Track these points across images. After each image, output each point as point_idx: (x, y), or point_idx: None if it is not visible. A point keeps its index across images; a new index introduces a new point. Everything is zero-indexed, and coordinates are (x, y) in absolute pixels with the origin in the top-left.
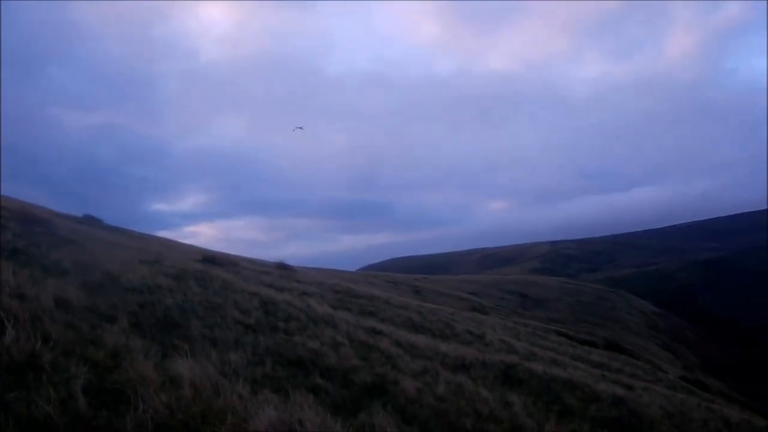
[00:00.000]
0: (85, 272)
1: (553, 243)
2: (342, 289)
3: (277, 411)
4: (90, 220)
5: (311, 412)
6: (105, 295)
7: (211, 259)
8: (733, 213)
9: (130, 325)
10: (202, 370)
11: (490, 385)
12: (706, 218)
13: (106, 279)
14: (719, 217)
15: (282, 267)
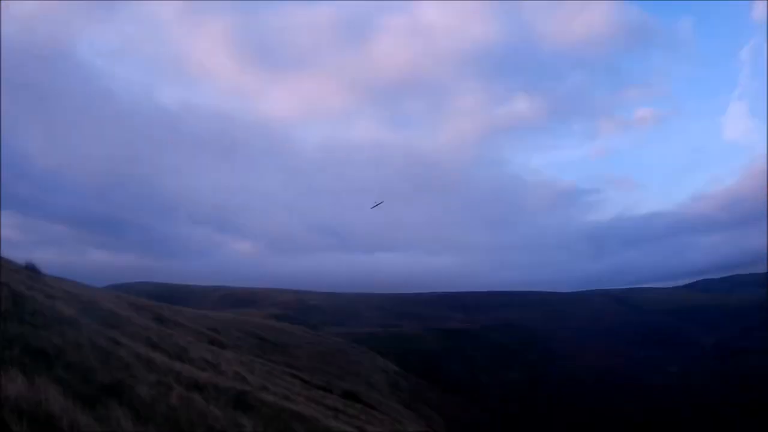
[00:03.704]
0: None
1: (297, 292)
2: (86, 300)
3: (26, 386)
4: None
5: (55, 394)
6: None
7: None
8: (479, 290)
9: None
10: None
11: (222, 406)
12: (450, 291)
13: None
14: (464, 292)
15: (31, 269)
